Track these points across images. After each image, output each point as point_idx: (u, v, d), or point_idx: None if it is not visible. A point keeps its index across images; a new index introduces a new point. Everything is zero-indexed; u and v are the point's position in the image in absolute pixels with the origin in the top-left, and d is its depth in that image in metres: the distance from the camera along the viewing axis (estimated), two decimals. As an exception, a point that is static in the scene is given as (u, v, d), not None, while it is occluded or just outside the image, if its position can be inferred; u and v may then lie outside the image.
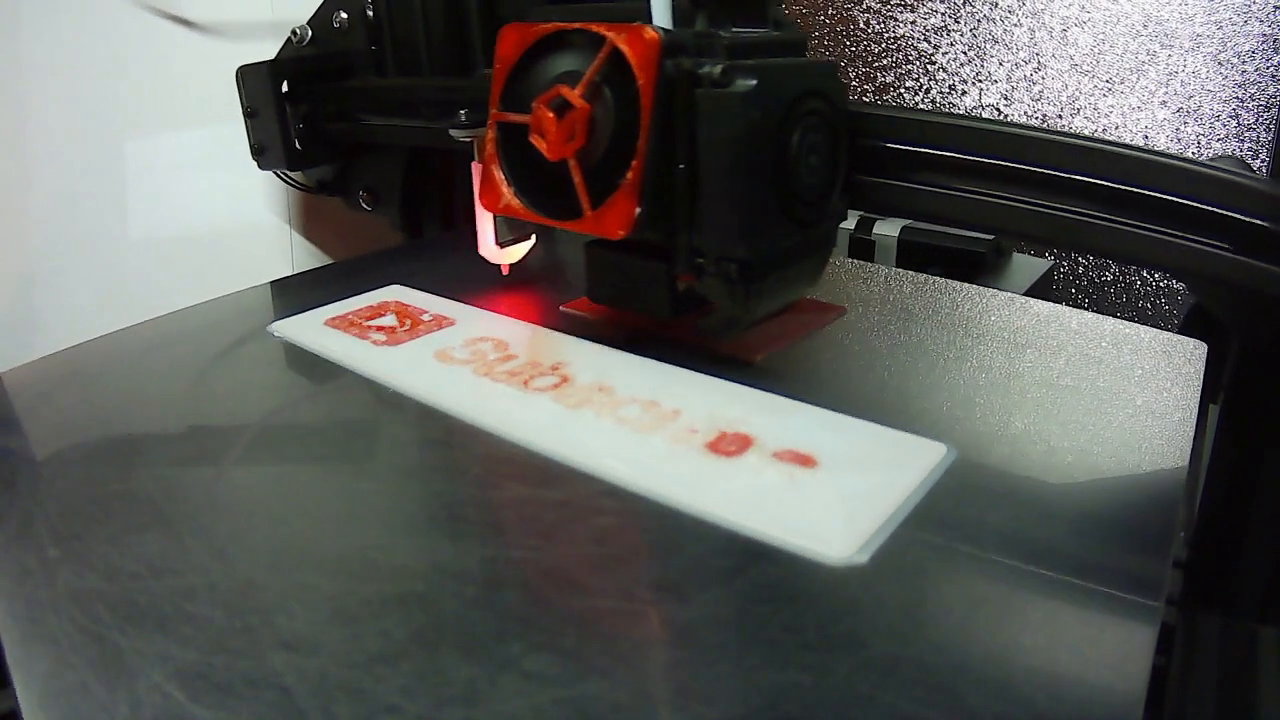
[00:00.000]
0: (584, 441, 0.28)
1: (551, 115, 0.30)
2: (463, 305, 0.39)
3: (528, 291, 0.42)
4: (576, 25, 0.31)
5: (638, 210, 0.29)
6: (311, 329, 0.37)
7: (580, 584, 0.22)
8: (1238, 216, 0.26)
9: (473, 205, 0.59)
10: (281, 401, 0.33)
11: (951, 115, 0.31)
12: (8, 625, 0.21)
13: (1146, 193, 0.28)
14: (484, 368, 0.33)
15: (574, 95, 0.30)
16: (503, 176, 0.33)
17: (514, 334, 0.36)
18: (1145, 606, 0.21)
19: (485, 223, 0.40)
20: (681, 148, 0.29)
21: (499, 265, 0.42)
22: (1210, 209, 0.27)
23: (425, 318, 0.38)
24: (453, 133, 0.39)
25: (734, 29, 0.31)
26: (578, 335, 0.36)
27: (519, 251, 0.42)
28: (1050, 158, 0.29)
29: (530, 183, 0.33)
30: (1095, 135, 0.30)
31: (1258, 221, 0.26)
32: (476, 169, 0.39)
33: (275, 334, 0.37)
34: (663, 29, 0.29)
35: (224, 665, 0.19)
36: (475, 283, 0.42)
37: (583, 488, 0.26)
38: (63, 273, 0.56)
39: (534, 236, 0.42)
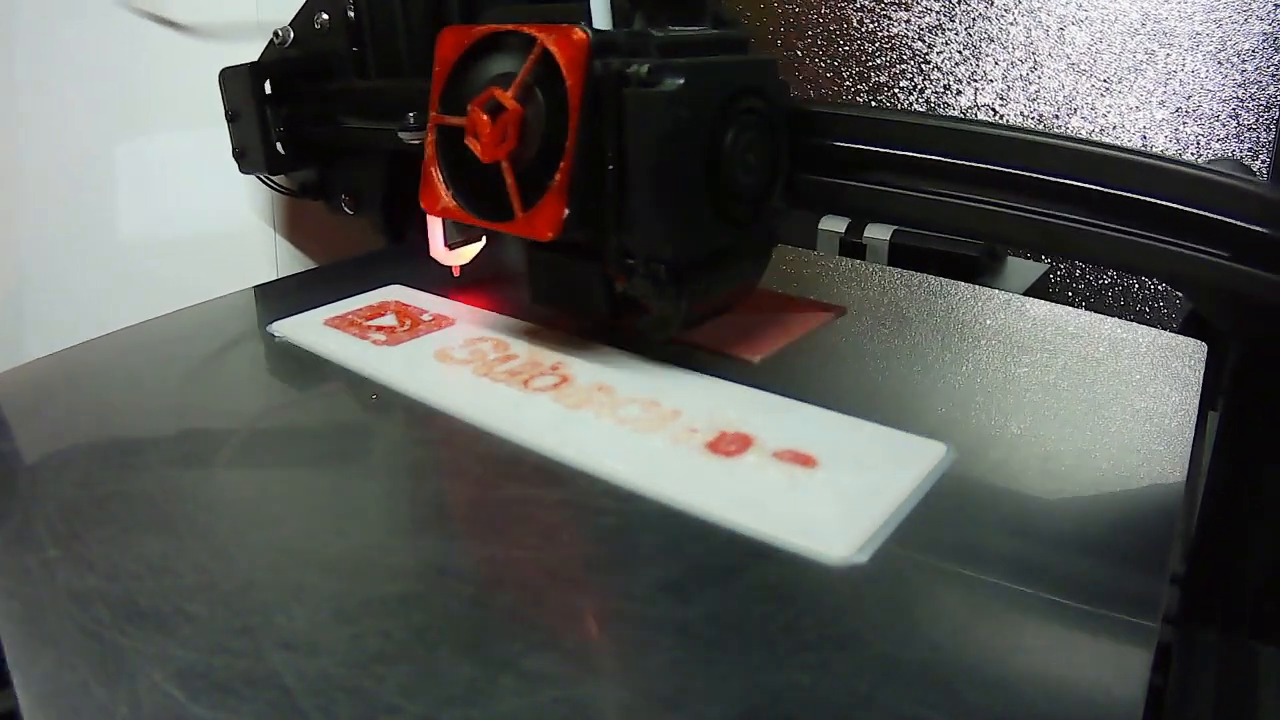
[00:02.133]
0: (584, 441, 0.28)
1: (485, 117, 0.30)
2: (463, 305, 0.39)
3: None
4: (510, 27, 0.31)
5: (566, 212, 0.29)
6: (311, 329, 0.37)
7: (580, 584, 0.22)
8: (1235, 222, 0.25)
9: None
10: (282, 402, 0.33)
11: (898, 112, 0.30)
12: (8, 625, 0.21)
13: (1137, 197, 0.26)
14: (484, 368, 0.33)
15: (506, 97, 0.30)
16: (441, 179, 0.33)
17: (514, 334, 0.36)
18: (1141, 627, 0.21)
19: (435, 225, 0.40)
20: (610, 148, 0.29)
21: (451, 267, 0.42)
22: (1206, 214, 0.25)
23: (425, 318, 0.38)
24: (401, 135, 0.38)
25: (671, 28, 0.31)
26: (577, 335, 0.36)
27: (469, 253, 0.42)
28: (1016, 157, 0.28)
29: (467, 185, 0.33)
30: (1080, 135, 0.29)
31: (1256, 228, 0.25)
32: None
33: (275, 334, 0.37)
34: (593, 29, 0.29)
35: (224, 665, 0.19)
36: (477, 282, 0.42)
37: (583, 488, 0.26)
38: (52, 275, 0.56)
39: (484, 238, 0.42)
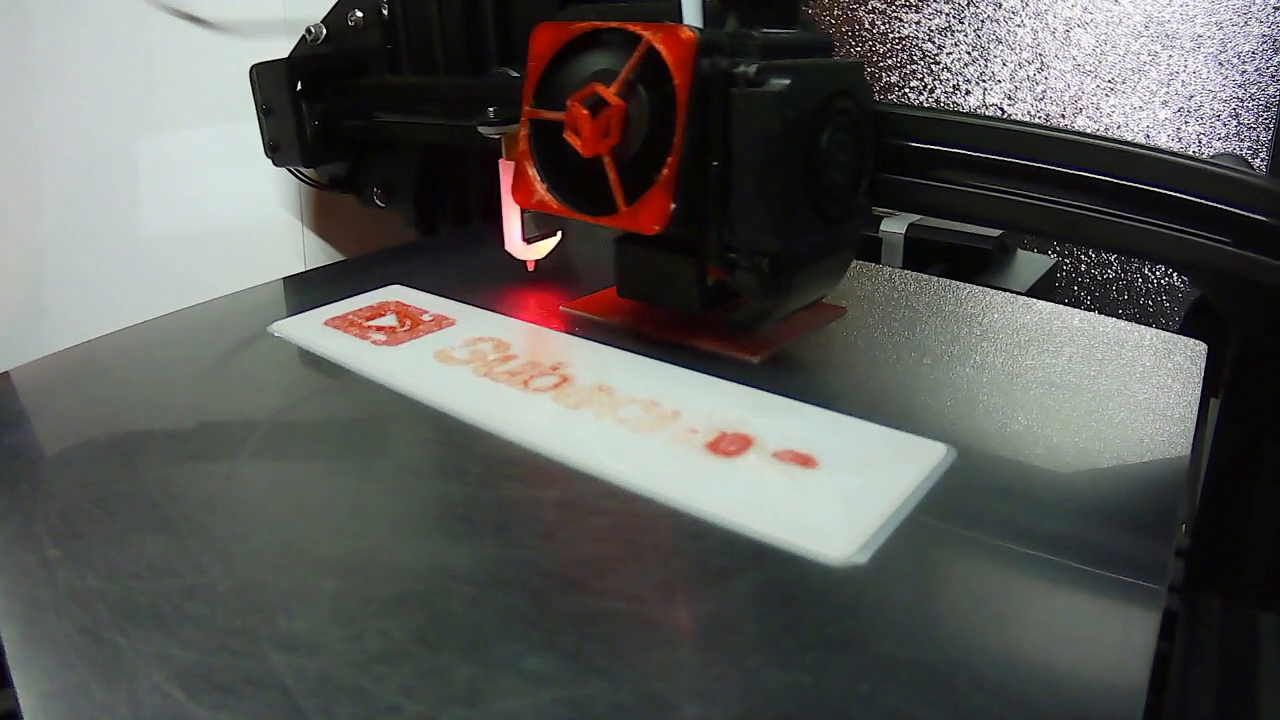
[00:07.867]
0: (584, 441, 0.28)
1: (586, 113, 0.31)
2: (463, 305, 0.39)
3: (530, 290, 0.42)
4: (612, 24, 0.31)
5: (672, 206, 0.30)
6: (311, 329, 0.37)
7: (580, 584, 0.22)
8: (1238, 211, 0.27)
9: (487, 201, 0.59)
10: (282, 402, 0.33)
11: (969, 115, 0.32)
12: (8, 625, 0.21)
13: (1150, 188, 0.29)
14: (484, 368, 0.33)
15: (609, 93, 0.30)
16: (535, 173, 0.34)
17: (514, 334, 0.36)
18: (1148, 590, 0.22)
19: (513, 219, 0.40)
20: (715, 145, 0.30)
21: (525, 261, 0.42)
22: (1211, 204, 0.28)
23: (425, 318, 0.38)
24: (482, 129, 0.39)
25: (764, 30, 0.32)
26: (578, 335, 0.36)
27: (545, 248, 0.42)
28: (1061, 155, 0.30)
29: (562, 179, 0.34)
30: (1100, 134, 0.30)
31: (1257, 216, 0.27)
32: (505, 165, 0.39)
33: (275, 334, 0.37)
34: (698, 29, 0.30)
35: (224, 665, 0.19)
36: (478, 281, 0.42)
37: (583, 488, 0.26)
38: (74, 268, 0.57)
39: (559, 233, 0.42)
